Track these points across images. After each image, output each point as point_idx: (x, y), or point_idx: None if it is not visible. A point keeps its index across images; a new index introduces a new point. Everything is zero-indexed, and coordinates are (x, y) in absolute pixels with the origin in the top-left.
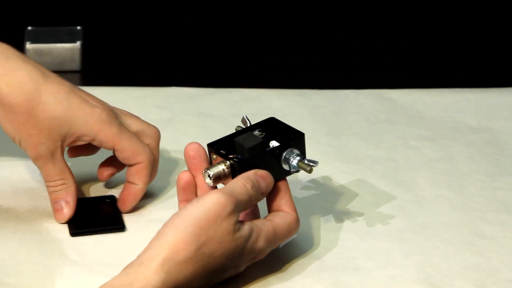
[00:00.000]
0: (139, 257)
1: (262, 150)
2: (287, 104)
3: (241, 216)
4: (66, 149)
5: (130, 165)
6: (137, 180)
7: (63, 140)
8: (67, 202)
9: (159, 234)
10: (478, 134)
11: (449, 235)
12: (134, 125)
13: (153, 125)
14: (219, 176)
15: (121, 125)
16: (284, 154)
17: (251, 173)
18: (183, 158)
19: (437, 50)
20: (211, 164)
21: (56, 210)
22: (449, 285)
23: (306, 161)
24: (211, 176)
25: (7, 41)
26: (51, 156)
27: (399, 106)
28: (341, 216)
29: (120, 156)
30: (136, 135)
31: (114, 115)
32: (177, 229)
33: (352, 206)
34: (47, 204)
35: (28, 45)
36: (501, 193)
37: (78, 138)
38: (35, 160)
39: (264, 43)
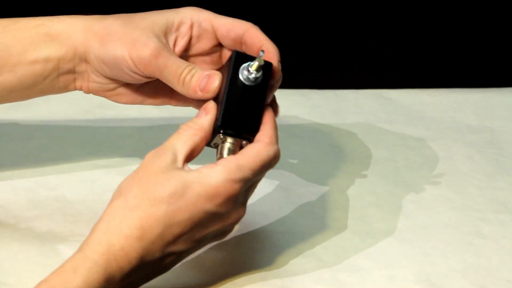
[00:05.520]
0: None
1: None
2: (287, 104)
3: None
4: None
5: (230, 40)
6: (258, 41)
7: (166, 35)
8: (206, 76)
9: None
10: (477, 134)
11: (449, 235)
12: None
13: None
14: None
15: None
16: (242, 74)
17: None
18: None
19: (436, 50)
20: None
21: (204, 89)
22: (449, 285)
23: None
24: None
25: None
26: (165, 50)
27: (398, 106)
28: (341, 216)
29: (221, 33)
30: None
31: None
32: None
33: (352, 206)
34: (47, 204)
35: None
36: (500, 193)
37: (178, 28)
38: (155, 57)
39: None
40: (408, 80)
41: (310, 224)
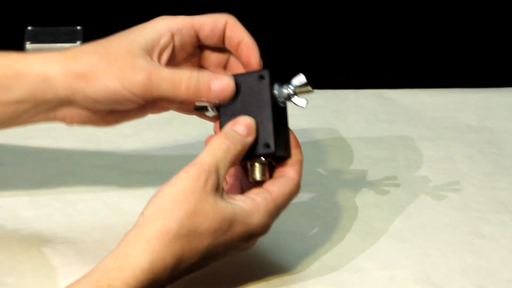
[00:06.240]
0: (126, 235)
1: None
2: (287, 103)
3: (230, 189)
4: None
5: (216, 38)
6: (237, 35)
7: (149, 53)
8: (215, 78)
9: (144, 211)
10: (477, 134)
11: (449, 235)
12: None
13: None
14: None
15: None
16: (279, 93)
17: (226, 126)
18: (183, 158)
19: (436, 50)
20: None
21: (219, 91)
22: (449, 285)
23: (294, 85)
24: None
25: (7, 41)
26: (154, 68)
27: (398, 106)
28: (341, 216)
29: (205, 33)
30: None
31: None
32: (159, 207)
33: (352, 206)
34: (47, 204)
35: (28, 45)
36: (500, 193)
37: (158, 43)
38: (148, 79)
39: (263, 43)
40: (408, 80)
41: (310, 224)
